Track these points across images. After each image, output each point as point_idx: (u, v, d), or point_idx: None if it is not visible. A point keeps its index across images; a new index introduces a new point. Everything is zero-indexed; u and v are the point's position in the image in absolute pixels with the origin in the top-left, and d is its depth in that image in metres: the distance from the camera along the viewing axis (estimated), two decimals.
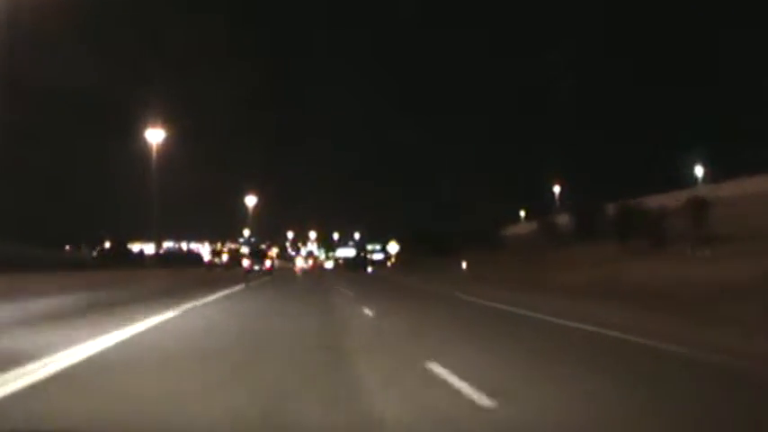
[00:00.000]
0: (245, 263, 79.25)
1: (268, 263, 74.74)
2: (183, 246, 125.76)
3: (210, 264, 69.70)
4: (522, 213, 69.41)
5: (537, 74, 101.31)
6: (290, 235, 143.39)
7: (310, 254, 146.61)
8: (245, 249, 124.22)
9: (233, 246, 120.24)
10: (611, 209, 29.32)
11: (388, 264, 68.79)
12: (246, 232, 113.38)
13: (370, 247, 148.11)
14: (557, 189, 55.27)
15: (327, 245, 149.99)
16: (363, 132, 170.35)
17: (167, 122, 41.73)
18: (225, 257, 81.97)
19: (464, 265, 36.31)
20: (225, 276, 42.97)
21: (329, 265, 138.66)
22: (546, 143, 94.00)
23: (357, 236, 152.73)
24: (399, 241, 58.43)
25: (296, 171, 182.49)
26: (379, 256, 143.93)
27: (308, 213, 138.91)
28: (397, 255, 59.19)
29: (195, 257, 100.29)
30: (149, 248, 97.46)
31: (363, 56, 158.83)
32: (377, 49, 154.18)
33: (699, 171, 46.68)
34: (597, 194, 35.93)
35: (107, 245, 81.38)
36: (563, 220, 35.18)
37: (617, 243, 25.40)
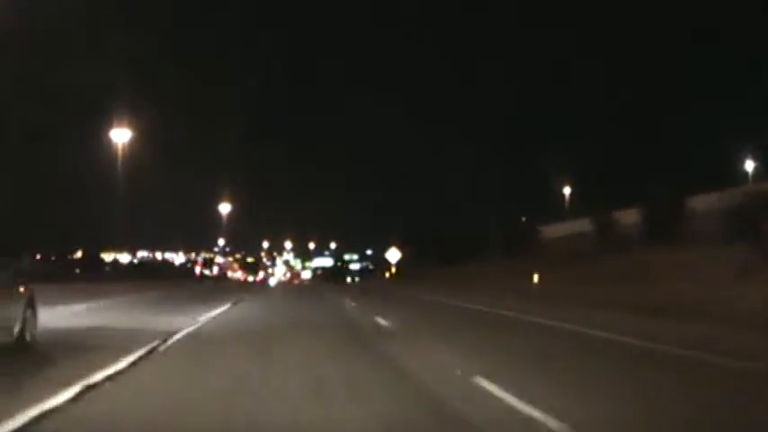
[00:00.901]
0: (239, 274, 76.66)
1: (261, 275, 73.62)
2: (158, 255, 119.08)
3: (201, 276, 65.35)
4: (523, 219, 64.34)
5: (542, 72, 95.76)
6: (266, 245, 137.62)
7: (287, 263, 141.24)
8: (219, 259, 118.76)
9: (208, 255, 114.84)
10: (697, 202, 25.24)
11: (387, 275, 57.65)
12: (221, 241, 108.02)
13: (347, 257, 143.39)
14: (567, 190, 50.72)
15: (304, 255, 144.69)
16: (353, 133, 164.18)
17: (134, 124, 38.34)
18: (215, 269, 78.61)
19: (536, 278, 26.42)
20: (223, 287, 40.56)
21: (306, 275, 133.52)
22: (548, 143, 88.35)
23: (333, 245, 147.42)
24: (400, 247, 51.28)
25: (268, 178, 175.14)
26: (356, 266, 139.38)
27: (282, 222, 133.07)
28: (398, 265, 51.36)
29: (168, 267, 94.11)
30: (123, 258, 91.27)
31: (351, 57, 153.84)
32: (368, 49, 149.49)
33: (749, 166, 43.28)
34: (619, 196, 31.63)
35: (79, 254, 75.03)
36: (629, 218, 30.11)
37: (724, 246, 20.72)
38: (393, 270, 51.60)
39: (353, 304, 24.15)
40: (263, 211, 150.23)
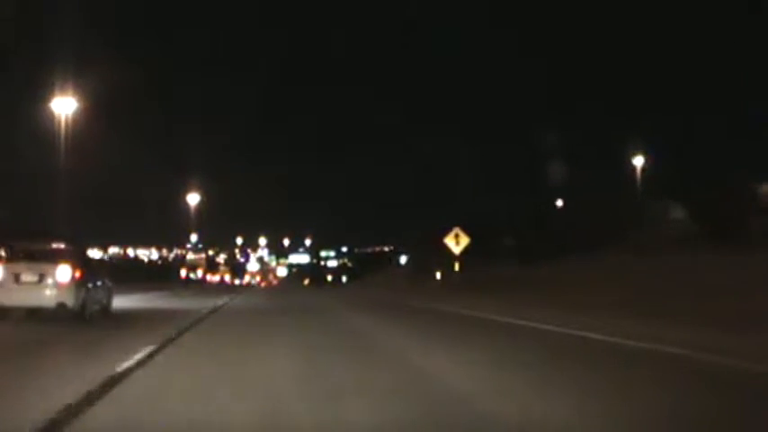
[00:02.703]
0: (225, 278, 74.02)
1: (247, 278, 72.20)
2: (130, 252, 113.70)
3: (187, 279, 61.61)
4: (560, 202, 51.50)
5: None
6: (240, 241, 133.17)
7: (261, 260, 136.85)
8: (191, 256, 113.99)
9: (180, 251, 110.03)
10: None
11: (437, 275, 41.07)
12: (194, 237, 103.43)
13: (324, 254, 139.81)
14: (638, 161, 41.29)
15: (278, 251, 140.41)
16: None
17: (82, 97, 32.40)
18: (200, 272, 75.72)
19: None
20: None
21: (282, 272, 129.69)
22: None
23: (308, 242, 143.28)
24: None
25: (241, 171, 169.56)
26: (333, 263, 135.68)
27: (256, 218, 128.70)
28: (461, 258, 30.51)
29: (144, 266, 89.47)
30: (94, 254, 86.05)
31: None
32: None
33: None
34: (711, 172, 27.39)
35: None
36: None
37: None
38: (457, 267, 31.29)
39: None
40: (236, 204, 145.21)
